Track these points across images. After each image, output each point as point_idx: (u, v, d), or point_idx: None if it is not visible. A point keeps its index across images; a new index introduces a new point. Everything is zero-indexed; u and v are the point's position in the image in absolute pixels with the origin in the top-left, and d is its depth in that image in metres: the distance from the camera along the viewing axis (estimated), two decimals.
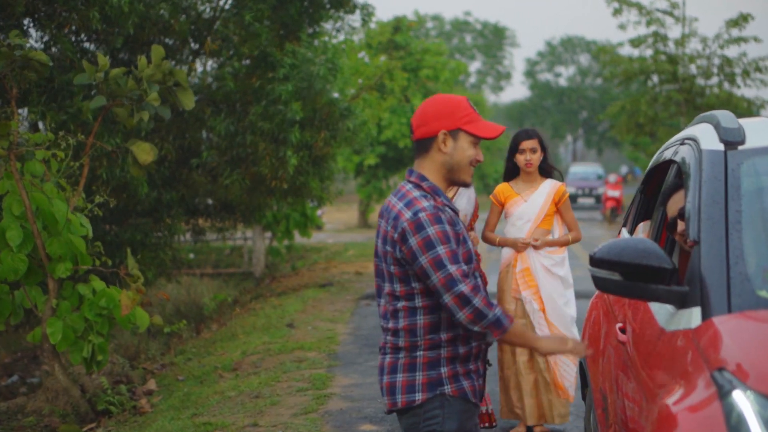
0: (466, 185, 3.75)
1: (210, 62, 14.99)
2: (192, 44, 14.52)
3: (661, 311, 3.43)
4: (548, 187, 6.66)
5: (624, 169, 62.23)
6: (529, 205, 6.61)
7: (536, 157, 6.58)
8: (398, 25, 28.92)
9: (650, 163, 4.83)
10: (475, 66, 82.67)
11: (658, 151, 4.65)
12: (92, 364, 8.60)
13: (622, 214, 32.92)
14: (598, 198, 40.40)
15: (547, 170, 6.70)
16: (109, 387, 8.85)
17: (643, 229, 4.64)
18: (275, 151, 13.76)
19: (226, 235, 16.26)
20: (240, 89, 13.97)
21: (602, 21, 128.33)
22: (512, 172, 6.71)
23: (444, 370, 3.56)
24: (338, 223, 34.53)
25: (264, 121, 13.65)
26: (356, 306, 13.14)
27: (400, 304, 3.57)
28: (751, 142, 3.59)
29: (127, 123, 9.25)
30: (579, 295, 14.92)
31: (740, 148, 3.56)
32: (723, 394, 2.65)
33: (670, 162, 4.22)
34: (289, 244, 18.43)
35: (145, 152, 9.29)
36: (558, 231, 6.71)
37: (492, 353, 7.44)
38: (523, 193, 6.66)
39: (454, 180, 3.70)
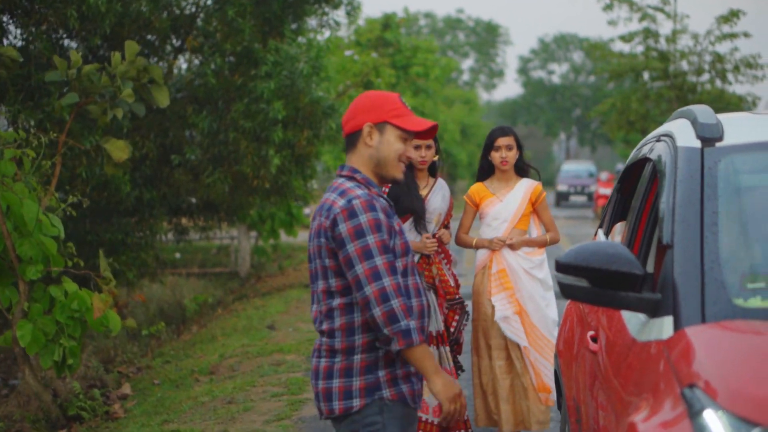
0: (396, 182, 3.68)
1: (192, 59, 14.74)
2: (173, 41, 14.31)
3: (633, 320, 3.20)
4: (524, 186, 6.43)
5: (620, 167, 61.99)
6: (505, 205, 6.37)
7: (512, 155, 6.35)
8: (388, 22, 28.69)
9: (627, 161, 4.61)
10: (467, 64, 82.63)
11: (635, 148, 4.43)
12: (63, 368, 8.39)
13: None
14: (590, 196, 40.27)
15: (523, 169, 6.48)
16: (82, 392, 8.62)
17: (619, 231, 4.40)
18: (257, 150, 13.57)
19: (210, 235, 16.02)
20: (222, 86, 13.75)
21: (596, 18, 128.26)
22: (487, 171, 6.48)
23: (382, 374, 3.43)
24: None
25: (246, 119, 13.46)
26: None
27: (336, 302, 3.44)
28: (730, 138, 3.37)
29: (101, 120, 9.06)
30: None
31: (718, 144, 3.33)
32: (693, 414, 2.43)
33: (645, 160, 3.99)
34: (274, 244, 18.20)
35: (119, 150, 9.08)
36: (535, 232, 6.47)
37: (466, 360, 7.24)
38: (499, 193, 6.43)
39: (383, 175, 3.62)
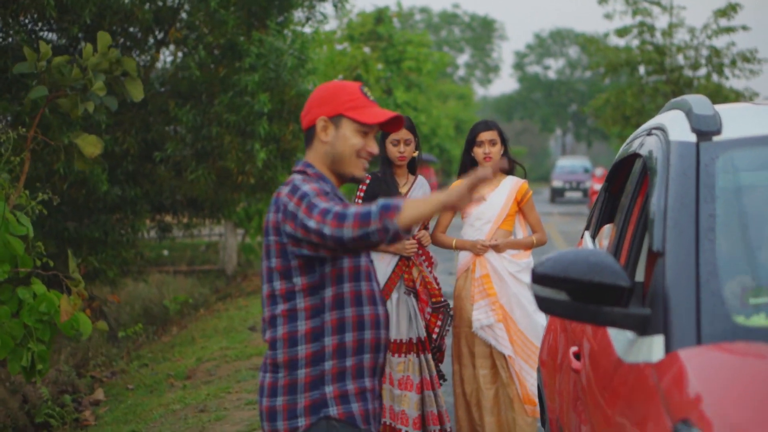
0: (355, 180, 3.31)
1: (176, 52, 14.37)
2: (156, 33, 13.94)
3: (619, 337, 2.82)
4: (510, 184, 6.05)
5: None
6: (489, 204, 5.99)
7: (496, 151, 5.98)
8: (380, 16, 28.31)
9: (616, 157, 4.22)
10: (463, 59, 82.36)
11: (625, 143, 4.04)
12: (33, 373, 8.02)
13: None
14: (585, 192, 39.89)
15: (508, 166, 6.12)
16: (50, 398, 8.25)
17: (606, 234, 4.02)
18: (242, 145, 13.21)
19: (194, 233, 15.61)
20: (206, 80, 13.39)
21: (592, 13, 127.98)
22: (469, 168, 6.11)
23: (329, 390, 3.08)
24: None
25: (230, 113, 13.11)
26: None
27: (279, 308, 3.11)
28: (729, 131, 2.98)
29: (73, 114, 8.69)
30: None
31: (715, 138, 2.95)
32: None
33: (635, 156, 3.60)
34: (262, 241, 17.76)
35: (91, 145, 8.69)
36: (521, 233, 6.10)
37: (448, 368, 6.88)
38: (482, 191, 6.06)
39: (340, 173, 3.28)
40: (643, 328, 2.57)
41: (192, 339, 10.69)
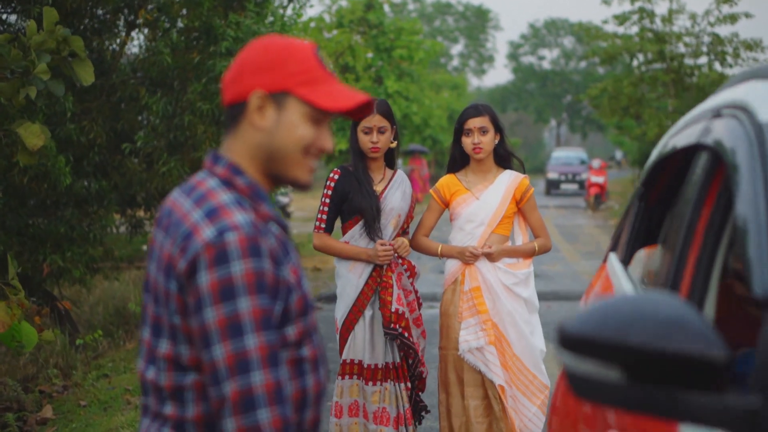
0: (300, 186, 2.24)
1: (148, 35, 13.45)
2: (126, 15, 13.03)
3: None
4: (507, 180, 5.13)
5: (618, 154, 60.20)
6: (483, 204, 5.09)
7: (487, 140, 5.06)
8: (371, 2, 27.38)
9: (653, 154, 3.23)
10: (457, 49, 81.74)
11: (667, 135, 3.04)
12: None
13: (607, 201, 31.34)
14: (581, 184, 38.97)
15: (504, 158, 5.19)
16: None
17: (644, 260, 2.99)
18: (216, 135, 12.33)
19: None
20: (178, 65, 12.48)
21: (587, 3, 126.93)
22: (460, 162, 5.19)
23: None
24: (310, 210, 32.90)
25: (204, 100, 12.22)
26: None
27: (189, 379, 2.11)
28: None
29: (15, 101, 7.79)
30: (560, 297, 13.43)
31: None
32: None
33: (695, 148, 2.64)
34: None
35: (34, 135, 7.79)
36: (520, 238, 5.18)
37: (432, 398, 5.99)
38: (474, 189, 5.14)
39: (277, 175, 2.23)
40: (749, 428, 1.62)
41: None
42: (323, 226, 5.04)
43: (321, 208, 5.06)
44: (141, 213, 13.72)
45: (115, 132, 12.64)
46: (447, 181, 5.18)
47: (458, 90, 50.76)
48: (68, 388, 8.69)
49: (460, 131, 5.08)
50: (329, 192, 5.00)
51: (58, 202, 12.17)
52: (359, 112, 2.24)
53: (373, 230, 4.90)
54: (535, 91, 78.81)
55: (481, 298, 5.00)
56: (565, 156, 43.31)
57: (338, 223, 5.15)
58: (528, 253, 5.10)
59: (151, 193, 13.54)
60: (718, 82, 22.58)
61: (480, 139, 5.01)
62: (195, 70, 12.44)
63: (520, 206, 5.14)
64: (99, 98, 12.29)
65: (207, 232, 2.05)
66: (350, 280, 4.94)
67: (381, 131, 4.94)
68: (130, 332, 11.64)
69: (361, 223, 4.93)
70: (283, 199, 24.35)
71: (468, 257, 5.01)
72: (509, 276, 5.06)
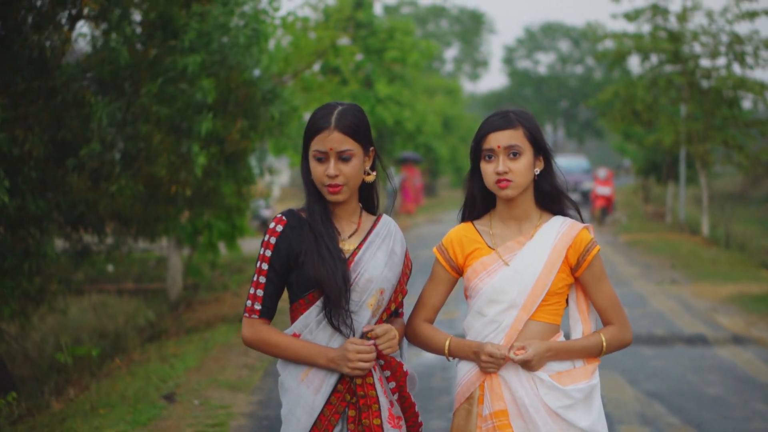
0: None
1: (95, 27, 11.58)
2: (69, 7, 11.13)
3: None
4: (555, 233, 3.21)
5: (627, 163, 57.87)
6: (515, 273, 3.15)
7: (521, 167, 3.12)
8: (360, 1, 25.54)
9: None
10: (451, 53, 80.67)
11: None
12: None
13: (613, 214, 29.34)
14: (584, 194, 36.87)
15: (552, 197, 3.28)
16: None
17: None
18: (175, 145, 10.48)
19: (122, 252, 12.73)
20: (130, 63, 10.59)
21: (583, 7, 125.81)
22: (481, 203, 3.24)
23: None
24: None
25: (160, 104, 10.37)
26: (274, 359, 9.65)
27: None
28: None
29: None
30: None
31: None
32: None
33: None
34: (213, 260, 14.88)
35: None
36: (579, 327, 3.21)
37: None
38: (502, 248, 3.21)
39: None
40: None
41: (91, 409, 7.85)
42: (258, 307, 3.15)
43: (255, 279, 3.18)
44: (88, 237, 11.79)
45: (55, 143, 10.73)
46: (460, 234, 3.24)
47: (453, 95, 49.05)
48: None
49: (478, 153, 3.18)
50: (268, 253, 3.12)
51: None
52: None
53: (338, 315, 2.99)
54: (530, 97, 77.70)
55: (509, 428, 3.11)
56: (565, 165, 41.34)
57: (284, 303, 3.21)
58: (591, 353, 3.16)
59: (99, 215, 11.64)
60: (740, 85, 20.75)
61: (508, 166, 3.11)
62: (150, 68, 10.59)
63: (577, 275, 3.20)
64: (36, 102, 10.41)
65: None
66: (302, 396, 3.03)
67: (343, 158, 3.06)
68: (68, 382, 9.68)
69: (319, 303, 3.02)
70: (265, 212, 22.47)
71: (488, 361, 3.08)
72: (557, 394, 3.11)
